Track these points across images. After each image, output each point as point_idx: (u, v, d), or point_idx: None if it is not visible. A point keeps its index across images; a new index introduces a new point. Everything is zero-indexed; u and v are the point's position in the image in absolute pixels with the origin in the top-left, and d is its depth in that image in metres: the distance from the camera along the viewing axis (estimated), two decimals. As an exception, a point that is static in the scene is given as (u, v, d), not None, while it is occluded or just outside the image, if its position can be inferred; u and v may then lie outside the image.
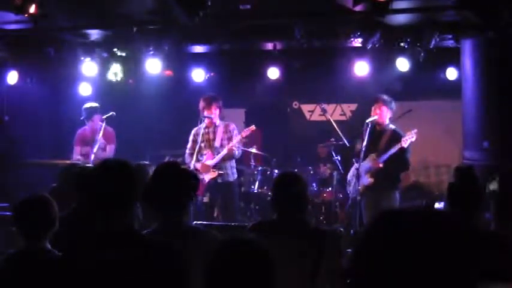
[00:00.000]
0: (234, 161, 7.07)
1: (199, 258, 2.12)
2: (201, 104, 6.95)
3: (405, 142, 6.14)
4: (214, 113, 6.92)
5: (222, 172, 6.89)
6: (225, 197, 7.03)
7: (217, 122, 7.03)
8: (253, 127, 7.07)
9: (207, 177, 6.80)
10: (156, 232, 2.90)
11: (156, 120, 8.92)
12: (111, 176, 2.45)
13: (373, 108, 6.46)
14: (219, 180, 6.87)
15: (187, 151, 7.06)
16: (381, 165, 6.28)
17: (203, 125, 6.94)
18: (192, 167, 6.66)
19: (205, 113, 6.89)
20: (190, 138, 7.07)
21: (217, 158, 6.87)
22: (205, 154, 6.93)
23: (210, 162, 6.87)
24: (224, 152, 6.84)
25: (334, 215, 7.73)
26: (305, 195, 3.41)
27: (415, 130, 6.15)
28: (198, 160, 6.82)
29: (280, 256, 2.04)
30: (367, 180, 6.39)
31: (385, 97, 6.51)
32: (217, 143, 6.95)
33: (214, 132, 7.00)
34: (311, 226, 3.44)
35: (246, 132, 7.07)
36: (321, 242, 3.18)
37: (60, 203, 3.19)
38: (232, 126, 7.07)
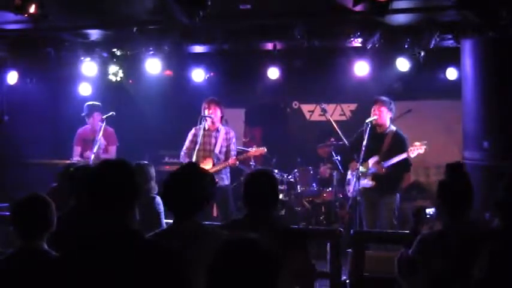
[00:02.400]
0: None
1: (207, 258, 2.11)
2: (203, 106, 6.93)
3: (412, 152, 6.14)
4: (215, 112, 6.89)
5: (217, 180, 6.84)
6: (220, 201, 6.99)
7: (219, 126, 6.99)
8: (264, 149, 7.11)
9: None
10: (168, 231, 2.90)
11: (156, 120, 8.92)
12: (111, 176, 2.45)
13: (372, 109, 6.45)
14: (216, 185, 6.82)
15: (185, 150, 6.98)
16: (384, 170, 6.28)
17: (204, 125, 6.86)
18: None
19: (206, 113, 6.87)
20: (189, 138, 7.00)
21: (218, 167, 6.81)
22: (202, 158, 6.84)
23: (208, 168, 6.79)
24: (226, 164, 6.85)
25: (334, 215, 7.73)
26: (271, 192, 3.39)
27: (426, 142, 6.14)
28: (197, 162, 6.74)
29: None
30: (368, 183, 6.38)
31: (384, 98, 6.50)
32: (217, 149, 6.89)
33: (216, 137, 6.93)
34: (278, 225, 3.41)
35: (255, 152, 7.09)
36: (283, 241, 3.13)
37: (59, 203, 3.19)
38: (232, 133, 7.04)
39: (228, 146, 6.96)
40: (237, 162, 6.97)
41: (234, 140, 7.03)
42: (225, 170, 6.96)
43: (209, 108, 6.87)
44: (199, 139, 6.74)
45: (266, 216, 3.33)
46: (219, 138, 6.93)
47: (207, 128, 6.91)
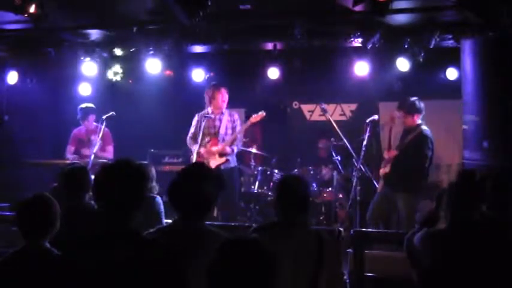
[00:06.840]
0: (235, 148, 7.14)
1: (208, 258, 2.10)
2: (209, 93, 7.08)
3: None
4: (223, 96, 7.04)
5: (228, 158, 6.98)
6: (227, 183, 6.99)
7: (224, 109, 7.15)
8: (263, 113, 7.12)
9: (212, 163, 6.86)
10: (169, 230, 2.89)
11: (156, 120, 8.91)
12: (112, 177, 2.45)
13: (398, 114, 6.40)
14: (222, 167, 6.93)
15: (190, 135, 7.16)
16: (394, 152, 6.25)
17: (209, 110, 7.06)
18: (195, 151, 6.82)
19: (214, 97, 7.02)
20: (193, 123, 7.18)
21: (224, 144, 6.99)
22: (208, 140, 7.02)
23: (216, 148, 6.98)
24: (231, 138, 7.00)
25: (334, 215, 7.73)
26: (307, 197, 3.37)
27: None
28: (202, 145, 6.92)
29: (280, 260, 2.03)
30: (383, 170, 6.40)
31: (402, 102, 6.38)
32: (222, 131, 7.08)
33: (220, 120, 7.12)
34: (313, 231, 3.39)
35: (256, 118, 7.09)
36: (321, 250, 3.15)
37: (59, 203, 3.19)
38: (237, 116, 7.24)
39: (233, 128, 7.11)
40: (240, 135, 7.07)
41: (239, 121, 7.20)
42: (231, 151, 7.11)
43: (219, 92, 7.01)
44: (205, 123, 6.94)
45: (299, 222, 3.29)
46: (224, 120, 7.10)
47: (211, 111, 7.08)
